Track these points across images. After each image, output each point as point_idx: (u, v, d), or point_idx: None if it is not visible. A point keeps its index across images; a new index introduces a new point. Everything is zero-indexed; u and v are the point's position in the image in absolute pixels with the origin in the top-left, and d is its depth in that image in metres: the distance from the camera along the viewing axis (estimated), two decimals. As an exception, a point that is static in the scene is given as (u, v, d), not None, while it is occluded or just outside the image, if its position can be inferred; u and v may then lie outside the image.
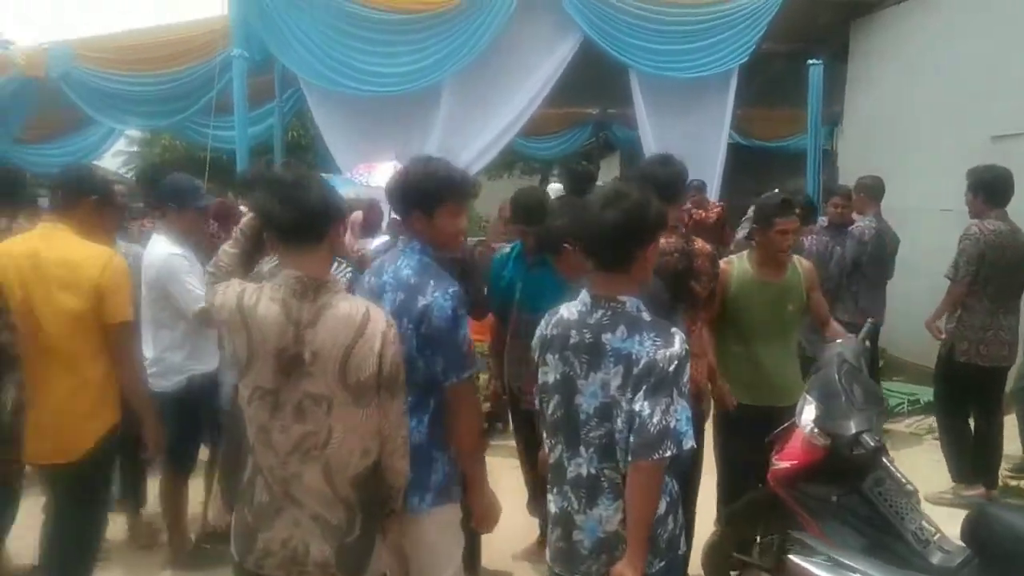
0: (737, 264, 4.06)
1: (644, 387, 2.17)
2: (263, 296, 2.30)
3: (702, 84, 9.27)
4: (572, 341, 2.34)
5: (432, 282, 2.56)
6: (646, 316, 2.30)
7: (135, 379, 3.28)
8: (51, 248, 2.99)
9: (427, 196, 2.64)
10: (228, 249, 2.58)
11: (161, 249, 4.03)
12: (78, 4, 45.19)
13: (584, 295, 2.40)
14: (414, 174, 2.67)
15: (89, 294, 2.96)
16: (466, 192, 2.76)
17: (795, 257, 4.06)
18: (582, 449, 2.32)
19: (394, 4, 8.50)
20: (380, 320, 2.31)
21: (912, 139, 7.12)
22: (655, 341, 2.21)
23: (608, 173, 18.58)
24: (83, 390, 3.07)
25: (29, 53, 9.46)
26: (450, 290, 2.55)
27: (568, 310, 2.43)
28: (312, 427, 2.27)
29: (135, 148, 21.22)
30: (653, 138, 9.21)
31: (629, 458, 2.19)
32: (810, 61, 9.48)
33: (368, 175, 7.98)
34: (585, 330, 2.31)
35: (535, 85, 8.90)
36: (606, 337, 2.27)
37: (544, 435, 2.51)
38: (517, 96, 8.97)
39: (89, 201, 3.10)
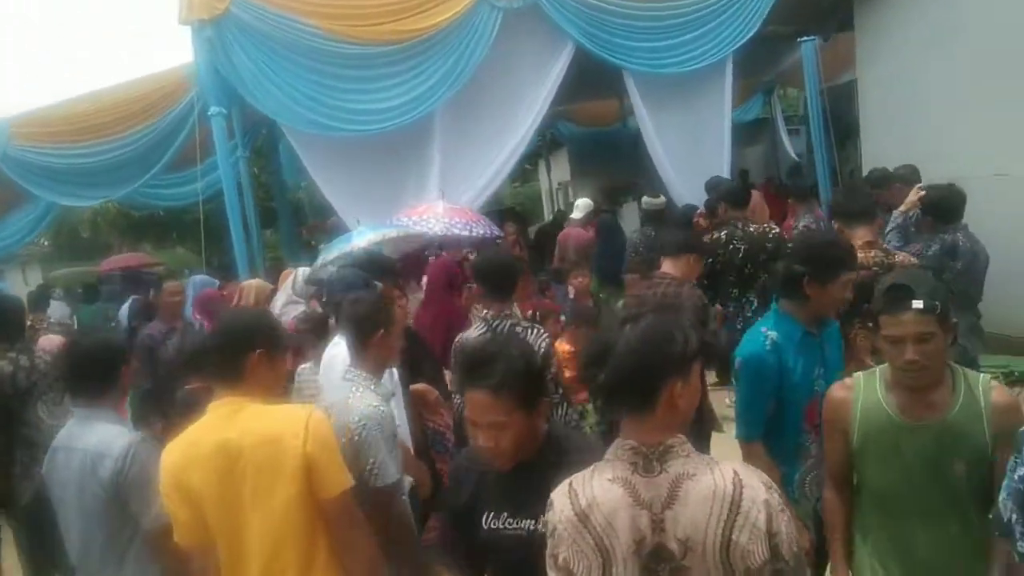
0: (864, 386, 2.48)
1: None
2: (594, 481, 1.74)
3: (698, 75, 8.92)
4: None
5: None
6: None
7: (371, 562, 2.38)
8: (242, 429, 2.24)
9: None
10: None
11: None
12: (13, 81, 42.19)
13: None
14: None
15: (297, 473, 2.22)
16: None
17: (975, 376, 2.40)
18: None
19: (372, 35, 7.81)
20: (758, 487, 1.75)
21: (948, 105, 6.86)
22: None
23: (558, 170, 18.25)
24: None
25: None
26: None
27: None
28: None
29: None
30: (656, 136, 8.84)
31: None
32: (801, 39, 9.30)
33: (415, 220, 7.33)
34: None
35: (534, 102, 8.37)
36: None
37: None
38: (516, 117, 8.43)
39: (255, 356, 2.37)
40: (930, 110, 7.05)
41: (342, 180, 8.09)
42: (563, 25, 8.23)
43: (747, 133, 13.34)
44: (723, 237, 5.86)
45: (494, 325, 3.54)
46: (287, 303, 5.29)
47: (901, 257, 3.15)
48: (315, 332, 3.78)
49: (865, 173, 7.79)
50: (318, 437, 2.24)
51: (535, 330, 3.54)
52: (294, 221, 13.50)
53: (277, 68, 7.64)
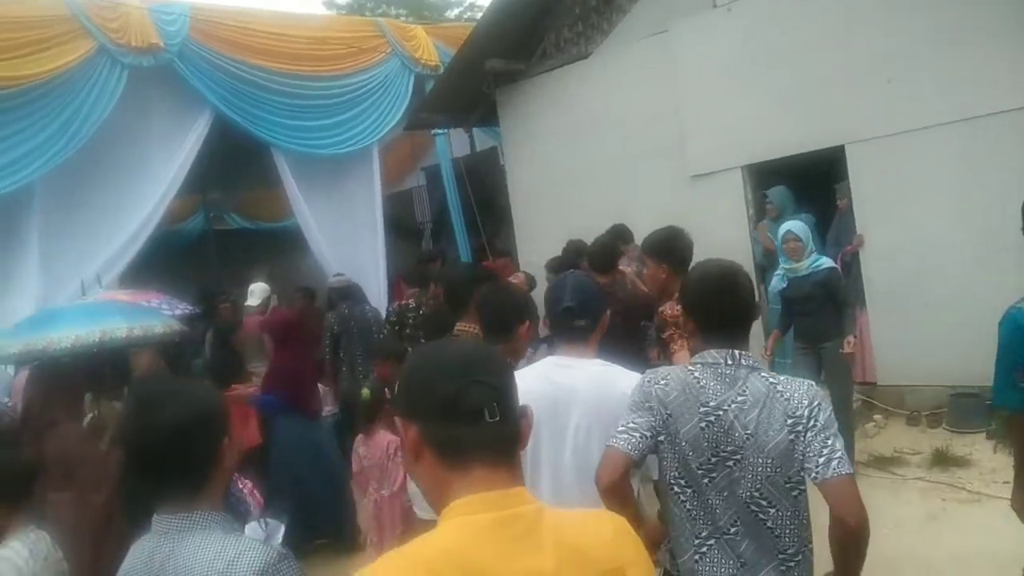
0: None
1: None
2: None
3: (348, 160, 8.56)
4: None
5: None
6: None
7: None
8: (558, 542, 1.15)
9: None
10: None
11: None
12: None
13: None
14: None
15: None
16: None
17: None
18: None
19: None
20: None
21: (591, 183, 7.49)
22: None
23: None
24: None
25: None
26: None
27: None
28: None
29: None
30: (314, 222, 8.16)
31: None
32: (434, 131, 9.55)
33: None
34: None
35: (167, 174, 7.08)
36: None
37: None
38: (141, 191, 7.01)
39: None
40: (575, 188, 7.62)
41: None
42: (200, 88, 7.21)
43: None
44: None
45: None
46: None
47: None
48: None
49: (518, 242, 8.24)
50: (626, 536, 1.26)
51: None
52: None
53: None
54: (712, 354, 1.95)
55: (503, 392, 1.19)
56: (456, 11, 24.20)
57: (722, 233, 6.06)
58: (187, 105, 7.27)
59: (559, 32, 7.62)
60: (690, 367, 1.98)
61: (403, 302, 6.25)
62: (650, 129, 7.07)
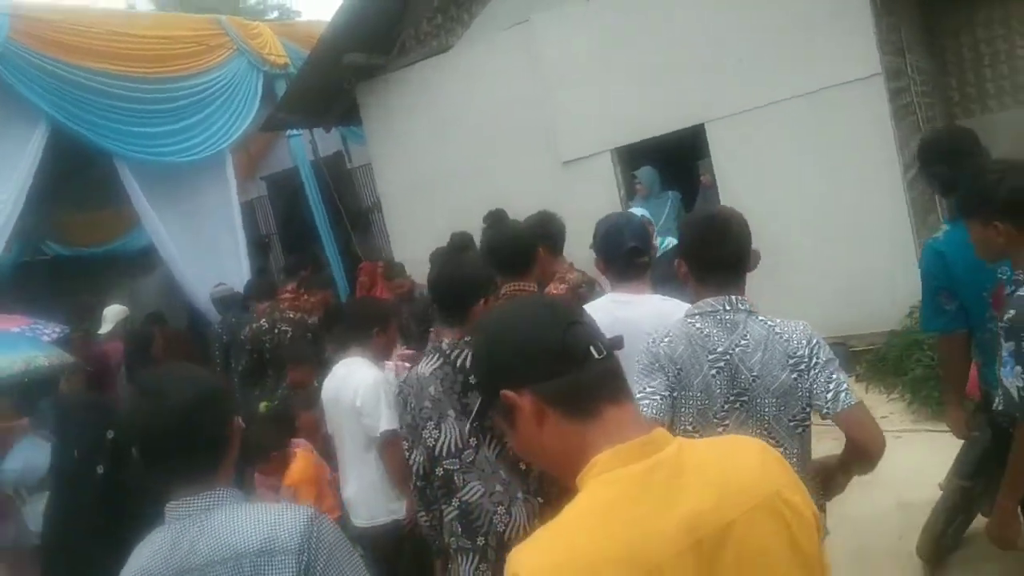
0: None
1: None
2: None
3: (199, 168, 8.04)
4: None
5: None
6: None
7: None
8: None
9: None
10: None
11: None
12: None
13: None
14: None
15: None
16: None
17: None
18: None
19: None
20: None
21: (460, 179, 7.48)
22: None
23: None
24: None
25: None
26: None
27: None
28: None
29: None
30: (166, 232, 7.63)
31: None
32: (289, 132, 9.18)
33: None
34: None
35: (11, 189, 6.36)
36: None
37: None
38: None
39: None
40: (447, 181, 7.59)
41: None
42: (32, 98, 6.51)
43: (139, 262, 12.11)
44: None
45: (451, 354, 2.56)
46: None
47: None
48: None
49: (392, 240, 8.12)
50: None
51: None
52: None
53: None
54: (709, 302, 2.02)
55: (597, 328, 1.18)
56: (274, 14, 23.36)
57: (597, 216, 6.26)
58: (21, 119, 6.56)
59: (418, 25, 7.55)
60: (689, 319, 2.04)
61: (256, 324, 5.76)
62: (518, 119, 7.16)
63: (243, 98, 8.31)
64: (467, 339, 2.51)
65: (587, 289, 3.50)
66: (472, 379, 2.21)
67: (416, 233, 7.62)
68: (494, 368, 1.17)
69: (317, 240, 9.38)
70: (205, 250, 7.99)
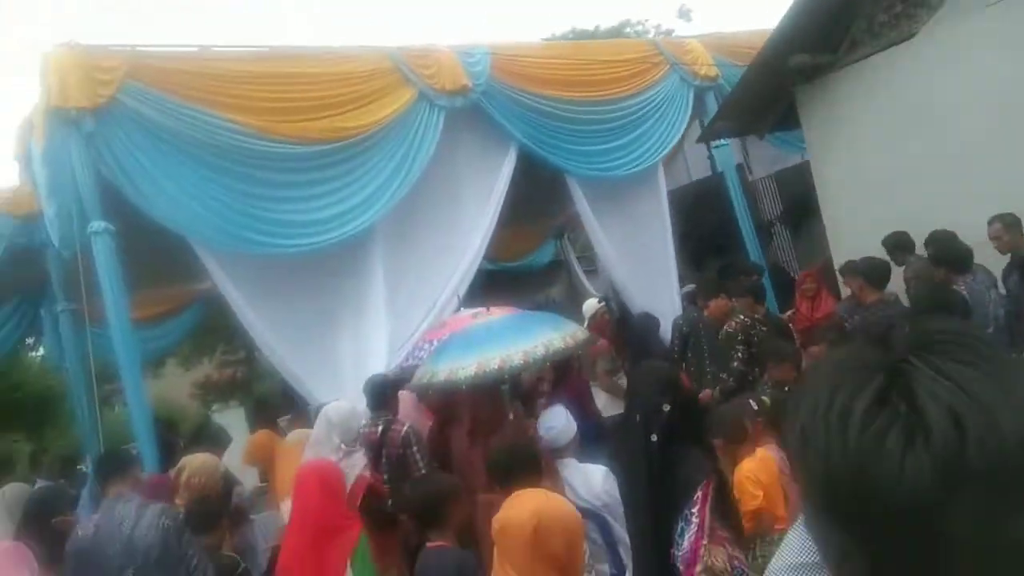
0: None
1: None
2: None
3: (633, 180, 8.45)
4: None
5: None
6: None
7: None
8: None
9: None
10: None
11: None
12: None
13: None
14: None
15: None
16: None
17: None
18: None
19: (299, 133, 6.38)
20: None
21: (918, 183, 6.75)
22: None
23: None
24: None
25: None
26: None
27: None
28: None
29: None
30: (607, 242, 8.16)
31: None
32: (714, 143, 9.21)
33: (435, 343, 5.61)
34: None
35: (489, 208, 7.29)
36: None
37: None
38: (461, 228, 7.26)
39: None
40: (903, 183, 6.90)
41: (265, 306, 6.25)
42: (508, 126, 7.39)
43: (544, 276, 12.96)
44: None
45: None
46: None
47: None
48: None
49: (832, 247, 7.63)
50: None
51: None
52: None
53: (180, 170, 5.88)
54: None
55: None
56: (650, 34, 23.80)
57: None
58: (495, 143, 7.50)
59: (873, 17, 7.05)
60: None
61: (744, 319, 5.98)
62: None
63: (675, 113, 8.56)
64: None
65: None
66: None
67: (858, 236, 7.07)
68: None
69: (720, 253, 9.37)
70: (638, 256, 8.34)
